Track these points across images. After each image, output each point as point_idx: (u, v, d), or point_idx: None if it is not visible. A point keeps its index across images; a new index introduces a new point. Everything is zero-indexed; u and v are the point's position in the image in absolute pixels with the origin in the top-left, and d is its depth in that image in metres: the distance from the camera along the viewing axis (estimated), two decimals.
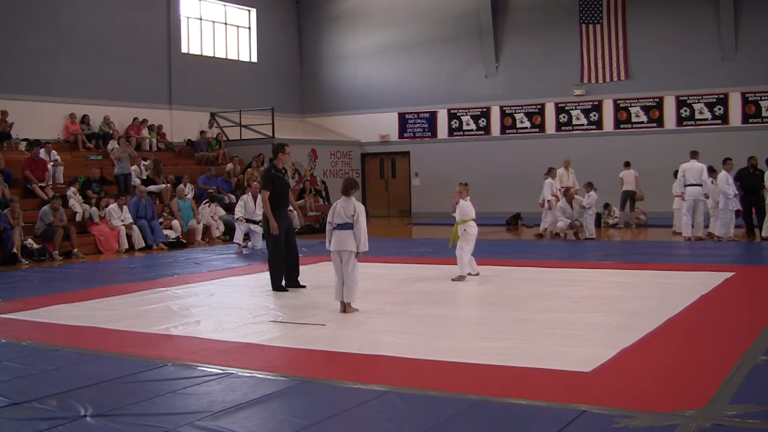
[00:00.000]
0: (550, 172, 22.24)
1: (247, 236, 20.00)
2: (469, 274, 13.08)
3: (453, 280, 12.75)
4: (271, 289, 12.35)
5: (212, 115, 30.51)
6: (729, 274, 12.92)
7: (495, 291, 11.99)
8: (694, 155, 19.75)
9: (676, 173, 21.00)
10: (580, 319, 9.42)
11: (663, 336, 8.38)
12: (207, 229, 22.50)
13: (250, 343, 8.58)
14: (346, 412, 5.94)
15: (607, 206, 24.44)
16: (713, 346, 7.89)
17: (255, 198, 20.14)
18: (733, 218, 19.37)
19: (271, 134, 29.34)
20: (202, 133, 29.12)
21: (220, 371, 7.25)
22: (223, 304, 11.42)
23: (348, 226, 10.42)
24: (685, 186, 19.54)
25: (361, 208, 10.45)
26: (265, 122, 29.50)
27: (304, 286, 12.55)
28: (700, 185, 19.40)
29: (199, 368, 7.38)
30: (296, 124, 34.19)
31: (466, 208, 13.14)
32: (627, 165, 24.15)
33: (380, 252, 18.52)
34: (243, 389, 6.69)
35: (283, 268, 12.45)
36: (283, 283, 12.44)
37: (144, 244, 20.32)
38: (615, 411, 5.73)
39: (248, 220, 19.71)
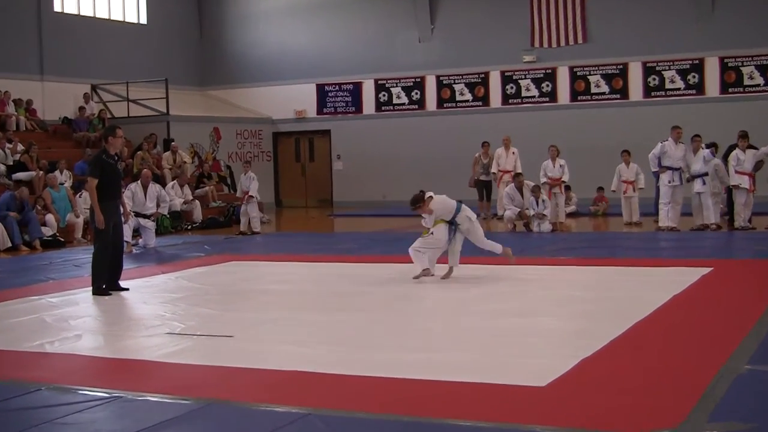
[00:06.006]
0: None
1: (137, 233, 19.83)
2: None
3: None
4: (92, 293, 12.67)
5: (93, 87, 30.14)
6: (706, 270, 13.08)
7: (432, 293, 12.03)
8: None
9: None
10: (532, 324, 9.49)
11: (630, 343, 8.48)
12: (89, 225, 22.22)
13: (142, 360, 8.50)
14: None
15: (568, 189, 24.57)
16: (689, 354, 8.01)
17: (146, 188, 20.00)
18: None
19: (165, 110, 29.10)
20: (81, 109, 28.70)
21: (107, 395, 7.15)
22: (109, 314, 11.29)
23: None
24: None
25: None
26: (157, 96, 29.22)
27: (126, 289, 12.98)
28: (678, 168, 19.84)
29: (81, 392, 7.27)
30: (195, 99, 33.91)
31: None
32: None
33: (296, 249, 18.50)
34: (135, 415, 6.61)
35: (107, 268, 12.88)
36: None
37: (10, 244, 19.95)
38: (575, 431, 5.79)
39: (137, 214, 19.53)
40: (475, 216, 13.39)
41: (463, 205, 13.16)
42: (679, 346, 8.34)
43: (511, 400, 6.62)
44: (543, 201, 20.59)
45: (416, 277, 12.79)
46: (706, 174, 19.52)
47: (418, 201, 12.93)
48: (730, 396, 6.55)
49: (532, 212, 20.56)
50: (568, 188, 23.50)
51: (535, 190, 20.68)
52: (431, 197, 12.97)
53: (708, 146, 20.16)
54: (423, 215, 13.11)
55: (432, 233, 12.93)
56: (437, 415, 6.29)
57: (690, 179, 19.79)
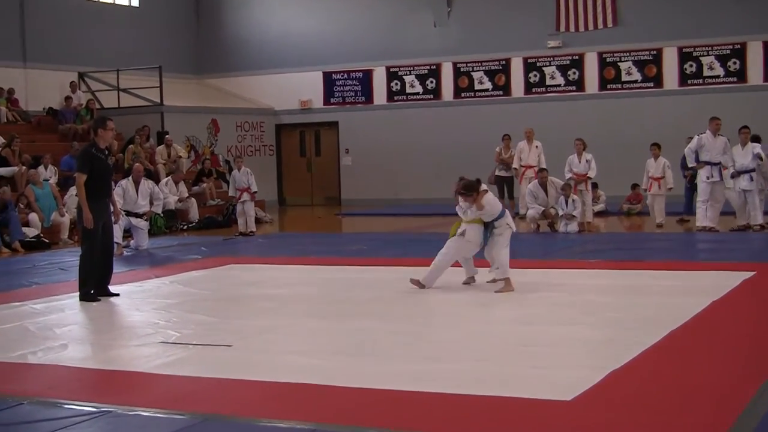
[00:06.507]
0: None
1: (128, 233, 19.85)
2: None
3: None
4: (79, 298, 12.67)
5: (80, 75, 30.21)
6: (748, 274, 13.05)
7: (449, 299, 12.02)
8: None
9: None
10: (557, 333, 9.51)
11: (663, 354, 8.48)
12: (76, 225, 22.24)
13: (134, 371, 8.51)
14: None
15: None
16: (728, 366, 8.00)
17: (137, 184, 20.01)
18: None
19: (158, 100, 29.17)
20: (67, 99, 28.77)
21: (95, 410, 7.15)
22: (97, 322, 11.33)
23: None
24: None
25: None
26: (150, 85, 29.29)
27: (116, 294, 12.97)
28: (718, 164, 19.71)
29: (67, 406, 7.28)
30: (192, 88, 33.98)
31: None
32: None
33: (301, 251, 18.51)
34: None
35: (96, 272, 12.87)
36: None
37: None
38: None
39: (129, 213, 19.55)
40: (515, 227, 13.04)
41: (507, 212, 12.79)
42: (718, 358, 8.32)
43: (533, 415, 6.61)
44: (573, 201, 20.50)
45: (413, 281, 12.61)
46: (754, 170, 19.43)
47: (473, 189, 12.38)
48: None
49: (560, 212, 20.50)
50: (595, 186, 23.45)
51: (566, 189, 20.58)
52: (486, 191, 12.68)
53: (752, 140, 20.07)
54: (459, 204, 12.73)
55: (464, 231, 12.57)
56: (454, 430, 6.31)
57: (735, 175, 19.68)
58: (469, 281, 12.87)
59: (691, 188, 21.75)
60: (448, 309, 11.45)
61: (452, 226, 12.91)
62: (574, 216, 20.39)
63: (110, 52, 30.81)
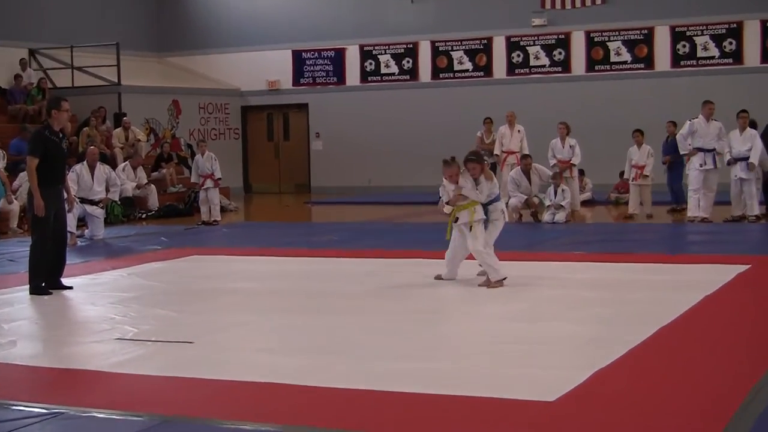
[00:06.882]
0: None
1: (82, 222, 19.79)
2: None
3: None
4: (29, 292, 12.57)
5: (31, 52, 30.05)
6: (742, 267, 13.11)
7: (427, 293, 12.03)
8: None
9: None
10: (541, 329, 9.52)
11: (652, 353, 8.50)
12: (26, 212, 22.15)
13: (88, 370, 8.49)
14: None
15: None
16: (720, 365, 8.03)
17: (93, 169, 19.94)
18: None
19: (116, 80, 29.03)
20: (17, 77, 28.61)
21: (46, 411, 7.11)
22: (49, 317, 11.30)
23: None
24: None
25: None
26: (107, 63, 29.17)
27: (70, 288, 12.92)
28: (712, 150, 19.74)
29: (15, 407, 7.24)
30: (151, 66, 33.85)
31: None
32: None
33: (268, 241, 18.50)
34: None
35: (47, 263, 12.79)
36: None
37: None
38: None
39: (83, 200, 19.47)
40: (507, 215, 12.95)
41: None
42: (710, 356, 8.35)
43: (515, 416, 6.62)
44: (563, 191, 20.56)
45: (494, 284, 12.06)
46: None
47: (480, 159, 12.28)
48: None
49: (548, 202, 20.55)
50: (581, 173, 23.52)
51: (555, 178, 20.66)
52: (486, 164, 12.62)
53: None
54: (447, 189, 12.34)
55: (477, 215, 12.08)
56: None
57: (732, 162, 19.69)
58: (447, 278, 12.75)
59: (671, 177, 21.95)
60: (427, 305, 11.43)
61: (466, 210, 12.21)
62: (562, 206, 20.43)
63: (64, 27, 30.60)
